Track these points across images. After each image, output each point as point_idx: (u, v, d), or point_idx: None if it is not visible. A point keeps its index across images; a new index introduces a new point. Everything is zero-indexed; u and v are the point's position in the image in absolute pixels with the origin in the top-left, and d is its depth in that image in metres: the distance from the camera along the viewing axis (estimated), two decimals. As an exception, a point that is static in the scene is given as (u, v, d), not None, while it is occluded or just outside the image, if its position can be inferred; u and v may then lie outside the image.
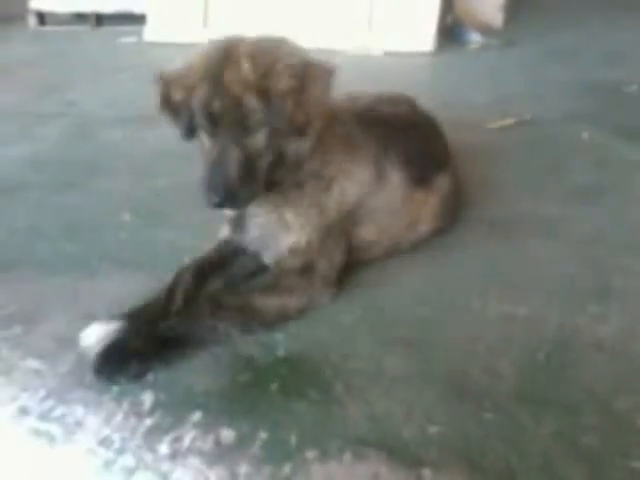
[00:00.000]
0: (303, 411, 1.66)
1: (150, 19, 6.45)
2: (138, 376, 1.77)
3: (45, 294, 2.20)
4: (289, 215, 2.08)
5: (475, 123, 3.79)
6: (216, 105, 1.86)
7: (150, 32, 6.41)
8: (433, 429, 1.60)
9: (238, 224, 2.19)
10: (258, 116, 1.85)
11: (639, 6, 7.06)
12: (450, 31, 6.02)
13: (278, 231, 2.09)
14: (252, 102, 1.84)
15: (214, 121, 1.89)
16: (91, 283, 2.26)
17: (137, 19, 6.90)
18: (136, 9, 7.05)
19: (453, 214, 2.58)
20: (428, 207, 2.41)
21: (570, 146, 3.45)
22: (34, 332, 2.00)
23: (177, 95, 1.96)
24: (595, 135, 3.56)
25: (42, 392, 1.75)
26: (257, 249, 2.19)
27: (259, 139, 1.89)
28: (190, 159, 3.32)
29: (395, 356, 1.85)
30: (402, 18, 5.65)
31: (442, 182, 2.46)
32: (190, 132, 1.99)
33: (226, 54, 1.90)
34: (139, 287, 2.20)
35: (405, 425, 1.61)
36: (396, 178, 2.28)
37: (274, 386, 1.75)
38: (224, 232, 2.31)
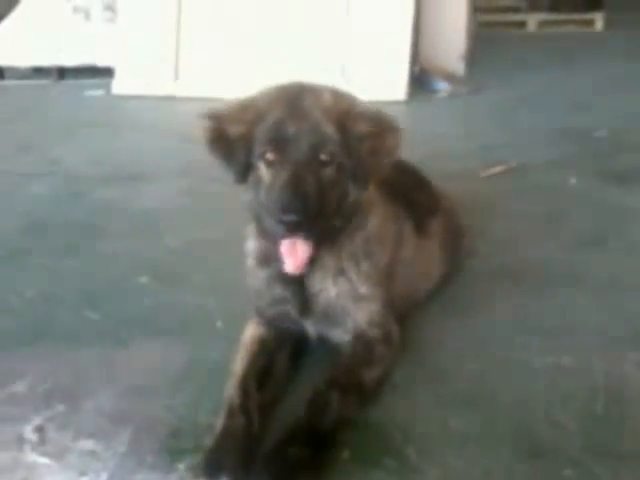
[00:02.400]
0: None
1: (118, 72, 6.39)
2: None
3: (81, 367, 2.12)
4: (364, 288, 1.99)
5: (464, 172, 3.88)
6: (291, 128, 1.76)
7: (119, 85, 6.35)
8: (517, 491, 1.60)
9: (302, 305, 2.00)
10: (334, 148, 1.78)
11: (584, 60, 7.43)
12: (418, 80, 6.19)
13: (351, 304, 1.99)
14: (331, 130, 1.77)
15: (283, 147, 1.77)
16: (126, 353, 2.19)
17: (101, 72, 6.84)
18: (100, 62, 6.99)
19: (456, 259, 2.62)
20: (431, 253, 2.44)
21: (562, 192, 3.57)
22: (79, 409, 1.92)
23: (235, 129, 1.84)
24: (582, 180, 3.70)
25: (104, 476, 1.67)
26: (323, 328, 2.04)
27: (331, 172, 1.80)
28: (192, 217, 3.35)
29: (459, 415, 1.85)
30: (374, 68, 5.79)
31: (436, 227, 2.47)
32: (245, 171, 1.86)
33: (303, 87, 1.86)
34: (176, 355, 2.17)
35: (488, 488, 1.60)
36: (410, 230, 2.30)
37: (346, 454, 1.71)
38: (256, 330, 2.07)
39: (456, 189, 3.47)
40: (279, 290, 2.01)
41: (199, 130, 1.90)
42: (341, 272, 1.98)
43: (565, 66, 7.05)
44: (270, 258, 1.97)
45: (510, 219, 3.23)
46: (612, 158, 4.10)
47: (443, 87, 6.12)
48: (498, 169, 3.94)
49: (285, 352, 2.04)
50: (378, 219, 2.06)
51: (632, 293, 2.48)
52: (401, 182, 2.46)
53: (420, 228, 2.37)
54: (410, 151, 3.97)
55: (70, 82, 7.08)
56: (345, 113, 1.82)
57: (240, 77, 5.95)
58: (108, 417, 1.88)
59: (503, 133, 4.89)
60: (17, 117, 5.72)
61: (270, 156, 1.80)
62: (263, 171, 1.83)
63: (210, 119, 1.89)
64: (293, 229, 1.75)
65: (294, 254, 1.84)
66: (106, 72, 6.69)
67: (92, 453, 1.75)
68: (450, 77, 6.44)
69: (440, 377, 2.03)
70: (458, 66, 6.85)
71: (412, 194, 2.45)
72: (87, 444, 1.78)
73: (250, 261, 2.09)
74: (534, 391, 1.95)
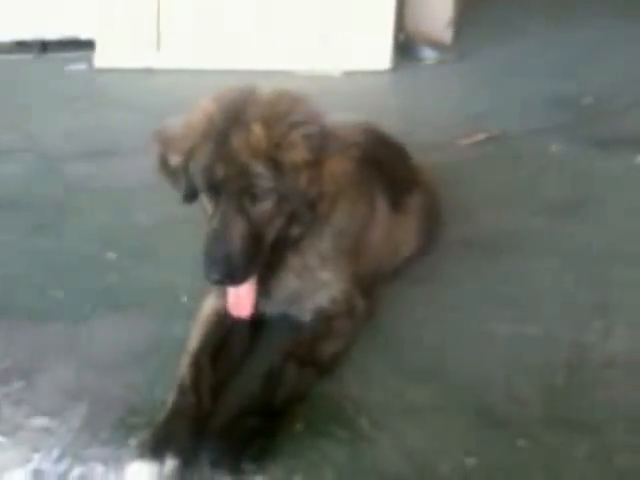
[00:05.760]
0: (334, 450, 1.63)
1: (99, 45, 6.28)
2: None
3: (40, 343, 2.11)
4: (326, 274, 1.97)
5: (445, 141, 3.83)
6: (219, 171, 1.72)
7: (100, 58, 6.24)
8: (470, 461, 1.58)
9: (261, 288, 1.93)
10: (266, 184, 1.72)
11: (579, 21, 7.29)
12: (403, 48, 6.08)
13: (313, 289, 1.98)
14: (260, 170, 1.70)
15: (216, 187, 1.75)
16: (88, 329, 2.18)
17: (84, 45, 6.72)
18: (82, 35, 6.88)
19: (431, 234, 2.57)
20: (406, 230, 2.40)
21: (541, 160, 3.52)
22: (36, 386, 1.91)
23: (174, 159, 1.83)
24: (563, 148, 3.65)
25: (56, 452, 1.66)
26: (284, 309, 2.03)
27: (266, 207, 1.76)
28: (164, 193, 3.29)
29: (416, 387, 1.84)
30: (357, 36, 5.68)
31: (414, 203, 2.44)
32: (191, 197, 1.86)
33: (234, 115, 1.75)
34: (140, 332, 2.16)
35: (441, 458, 1.59)
36: (382, 208, 2.26)
37: (299, 426, 1.71)
38: (215, 303, 2.03)
39: (434, 159, 3.45)
40: None
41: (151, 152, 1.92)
42: (305, 267, 1.96)
43: (555, 31, 6.91)
44: None
45: (485, 188, 3.18)
46: (596, 125, 4.04)
47: (429, 55, 6.02)
48: (479, 137, 3.88)
49: (244, 326, 2.01)
50: (345, 209, 2.02)
51: (601, 261, 2.45)
52: (383, 157, 2.42)
53: (396, 204, 2.33)
54: (393, 121, 3.95)
55: (53, 56, 6.96)
56: (276, 145, 1.72)
57: (221, 48, 5.87)
58: (65, 393, 1.87)
59: (489, 101, 4.81)
60: (-4, 92, 5.64)
61: (208, 194, 1.80)
62: (206, 203, 1.83)
63: (157, 143, 1.89)
64: (220, 284, 1.80)
65: (237, 298, 1.86)
66: (89, 45, 6.57)
67: (46, 429, 1.74)
68: (437, 44, 6.33)
69: (400, 347, 2.02)
70: (446, 33, 6.72)
71: (393, 169, 2.41)
72: (42, 421, 1.77)
73: None
74: (496, 361, 1.94)
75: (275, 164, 1.71)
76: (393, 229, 2.30)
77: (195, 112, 1.83)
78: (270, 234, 1.80)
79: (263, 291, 1.94)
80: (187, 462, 1.56)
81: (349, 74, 5.66)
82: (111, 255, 2.65)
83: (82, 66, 6.38)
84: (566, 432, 1.66)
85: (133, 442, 1.67)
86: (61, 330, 2.17)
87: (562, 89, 4.91)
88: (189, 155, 1.78)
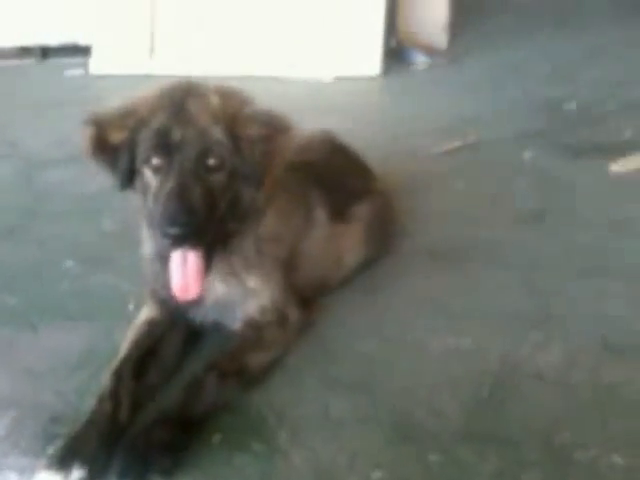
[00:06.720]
0: (246, 464, 1.64)
1: (95, 51, 6.37)
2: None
3: (-18, 352, 2.14)
4: (253, 281, 1.99)
5: (420, 149, 3.84)
6: (176, 134, 1.75)
7: (96, 64, 6.33)
8: (377, 475, 1.59)
9: None
10: (223, 153, 1.77)
11: (578, 25, 7.21)
12: (396, 53, 6.08)
13: (241, 297, 1.99)
14: (219, 136, 1.77)
15: (169, 151, 1.76)
16: (31, 337, 2.21)
17: (83, 51, 6.82)
18: (81, 40, 6.97)
19: (381, 243, 2.57)
20: (350, 239, 2.39)
21: (512, 168, 3.50)
22: (-31, 394, 1.94)
23: (116, 136, 1.83)
24: (536, 156, 3.63)
25: (-25, 460, 1.69)
26: (215, 318, 2.04)
27: (219, 179, 1.79)
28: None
29: (341, 399, 1.85)
30: (347, 42, 5.69)
31: (362, 213, 2.44)
32: (128, 178, 1.85)
33: (188, 89, 1.84)
34: (81, 340, 2.19)
35: (349, 473, 1.60)
36: (322, 218, 2.27)
37: (216, 438, 1.72)
38: (149, 312, 2.07)
39: (406, 167, 3.46)
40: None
41: (81, 138, 1.89)
42: (230, 272, 1.98)
43: (550, 37, 6.83)
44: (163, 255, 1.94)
45: (451, 198, 3.19)
46: (574, 132, 4.01)
47: (421, 59, 6.01)
48: (455, 145, 3.87)
49: (178, 335, 2.04)
50: (274, 215, 2.04)
51: (552, 273, 2.44)
52: (331, 166, 2.44)
53: (340, 214, 2.34)
54: (376, 127, 3.93)
55: (53, 61, 7.07)
56: (234, 116, 1.81)
57: (215, 53, 5.91)
58: (-5, 401, 1.90)
59: (476, 107, 4.79)
60: (-8, 99, 5.74)
61: (155, 162, 1.79)
62: (149, 177, 1.82)
63: (91, 126, 1.88)
64: (179, 242, 1.75)
65: (184, 280, 1.83)
66: (87, 51, 6.65)
67: (-30, 437, 1.77)
68: (430, 50, 6.31)
69: (333, 358, 2.03)
70: (440, 38, 6.69)
71: (340, 178, 2.42)
72: (-32, 429, 1.80)
73: (146, 248, 2.09)
74: (423, 375, 1.94)
75: (232, 136, 1.78)
76: (336, 239, 2.30)
77: (135, 98, 1.89)
78: (220, 208, 1.81)
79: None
80: (94, 473, 1.58)
81: (340, 79, 5.67)
82: (69, 263, 2.69)
83: (80, 71, 6.47)
84: (480, 447, 1.65)
85: (51, 451, 1.69)
86: (4, 337, 2.21)
87: (549, 94, 4.88)
88: (138, 126, 1.80)
